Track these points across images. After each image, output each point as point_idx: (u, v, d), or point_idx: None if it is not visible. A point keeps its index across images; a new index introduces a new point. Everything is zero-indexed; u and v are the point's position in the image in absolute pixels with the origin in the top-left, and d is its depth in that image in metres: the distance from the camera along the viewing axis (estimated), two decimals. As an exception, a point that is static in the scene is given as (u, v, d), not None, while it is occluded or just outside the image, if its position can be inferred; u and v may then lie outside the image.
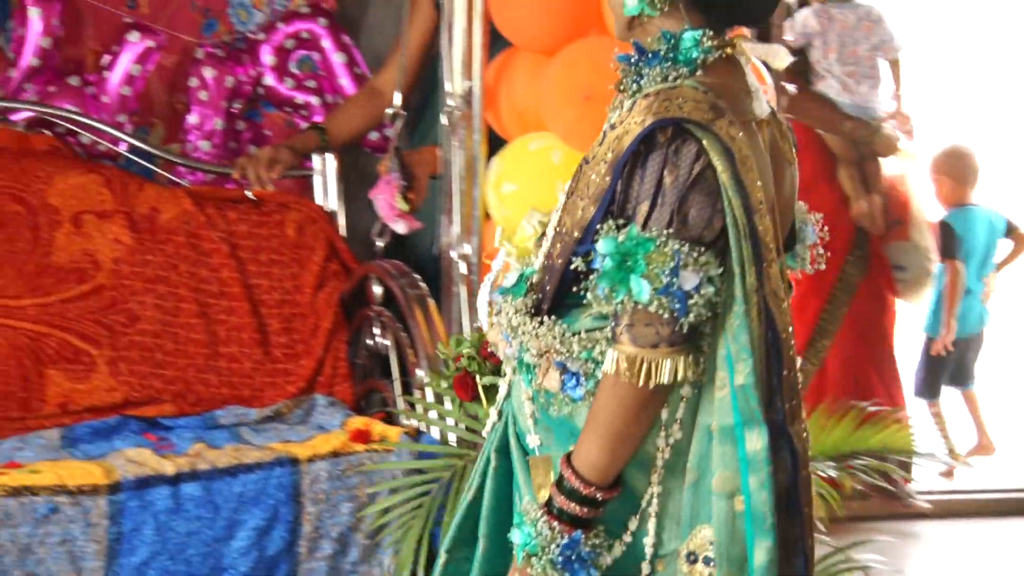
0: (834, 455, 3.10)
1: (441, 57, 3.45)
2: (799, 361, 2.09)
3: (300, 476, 3.12)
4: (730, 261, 1.96)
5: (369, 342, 3.60)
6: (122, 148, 3.90)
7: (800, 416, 2.06)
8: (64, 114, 3.83)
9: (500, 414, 2.18)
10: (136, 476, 3.02)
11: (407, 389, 3.41)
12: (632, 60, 2.02)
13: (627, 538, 2.02)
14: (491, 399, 2.72)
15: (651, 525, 2.02)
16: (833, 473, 3.05)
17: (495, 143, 3.47)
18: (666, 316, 1.91)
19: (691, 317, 1.91)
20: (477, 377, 2.86)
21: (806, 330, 5.00)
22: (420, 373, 3.28)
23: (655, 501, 2.01)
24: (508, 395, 2.15)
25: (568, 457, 1.99)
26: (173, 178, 3.89)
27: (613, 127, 1.99)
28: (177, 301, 3.58)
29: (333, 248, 3.75)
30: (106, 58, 3.95)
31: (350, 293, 3.69)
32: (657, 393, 1.95)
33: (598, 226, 1.96)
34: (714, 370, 1.98)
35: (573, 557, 1.97)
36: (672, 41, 1.99)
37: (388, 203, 3.66)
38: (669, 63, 1.99)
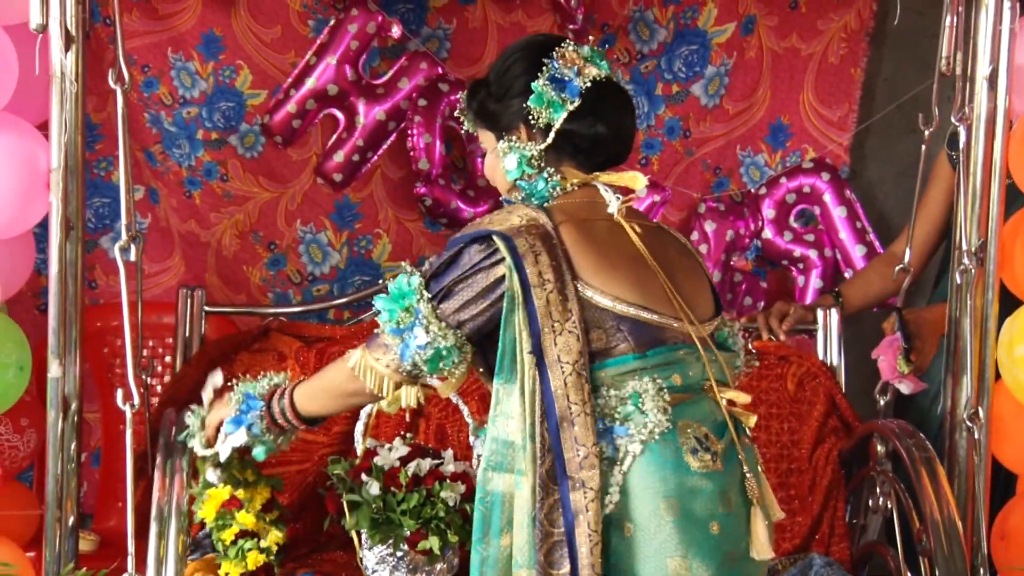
0: None
1: (956, 213, 3.30)
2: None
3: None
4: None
5: (870, 503, 3.43)
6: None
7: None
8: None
9: None
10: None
11: (911, 555, 3.21)
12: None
13: None
14: (360, 513, 3.00)
15: None
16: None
17: (1008, 303, 3.27)
18: (394, 349, 2.42)
19: (407, 363, 2.42)
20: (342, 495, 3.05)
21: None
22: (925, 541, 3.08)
23: None
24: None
25: (294, 388, 2.60)
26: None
27: None
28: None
29: (834, 403, 3.59)
30: (615, 213, 4.07)
31: (850, 451, 3.52)
32: (356, 393, 2.51)
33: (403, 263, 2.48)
34: None
35: (250, 412, 2.64)
36: (529, 190, 2.49)
37: (890, 365, 3.53)
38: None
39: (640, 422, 2.36)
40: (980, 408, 3.20)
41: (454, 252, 2.43)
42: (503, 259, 2.39)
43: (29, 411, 3.30)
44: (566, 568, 2.31)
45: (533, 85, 2.44)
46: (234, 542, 2.90)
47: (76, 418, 3.16)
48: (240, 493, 2.94)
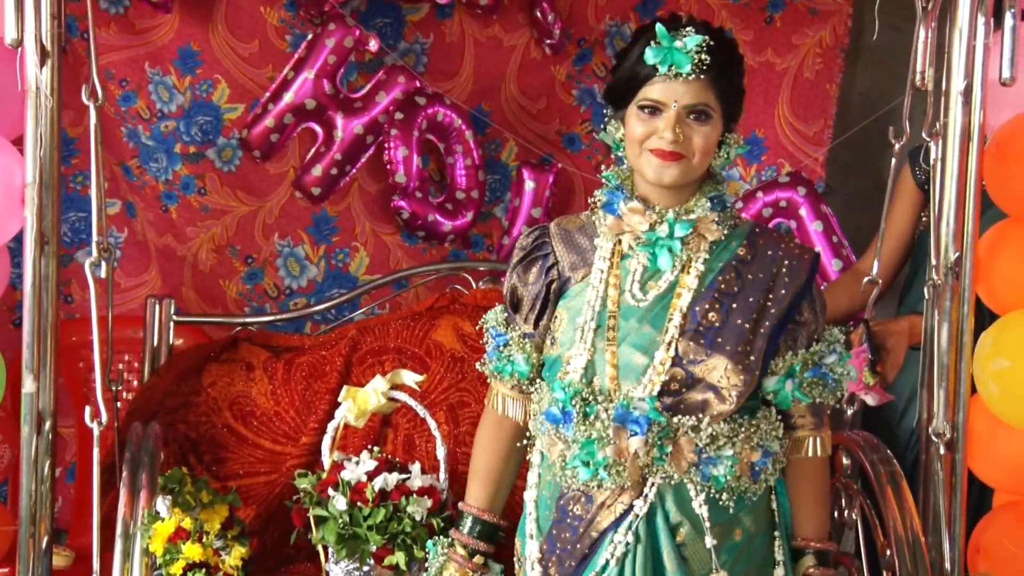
0: None
1: (929, 228, 3.27)
2: None
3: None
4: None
5: (835, 514, 3.39)
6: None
7: None
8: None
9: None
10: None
11: (874, 568, 3.15)
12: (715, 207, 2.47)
13: None
14: (326, 528, 2.94)
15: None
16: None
17: (983, 316, 3.24)
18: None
19: None
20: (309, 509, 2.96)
21: None
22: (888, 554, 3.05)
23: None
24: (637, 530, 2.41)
25: (801, 537, 2.52)
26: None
27: (743, 262, 2.45)
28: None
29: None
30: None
31: None
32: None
33: (832, 334, 2.50)
34: None
35: None
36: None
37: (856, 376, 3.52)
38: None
39: None
40: (951, 422, 3.16)
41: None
42: None
43: (3, 426, 3.24)
44: None
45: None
46: (183, 575, 2.83)
47: (50, 434, 3.09)
48: (187, 523, 2.89)
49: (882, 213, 3.50)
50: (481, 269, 3.81)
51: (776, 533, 2.51)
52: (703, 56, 2.34)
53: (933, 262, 3.16)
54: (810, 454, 2.52)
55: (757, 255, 2.46)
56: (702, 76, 2.35)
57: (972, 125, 3.10)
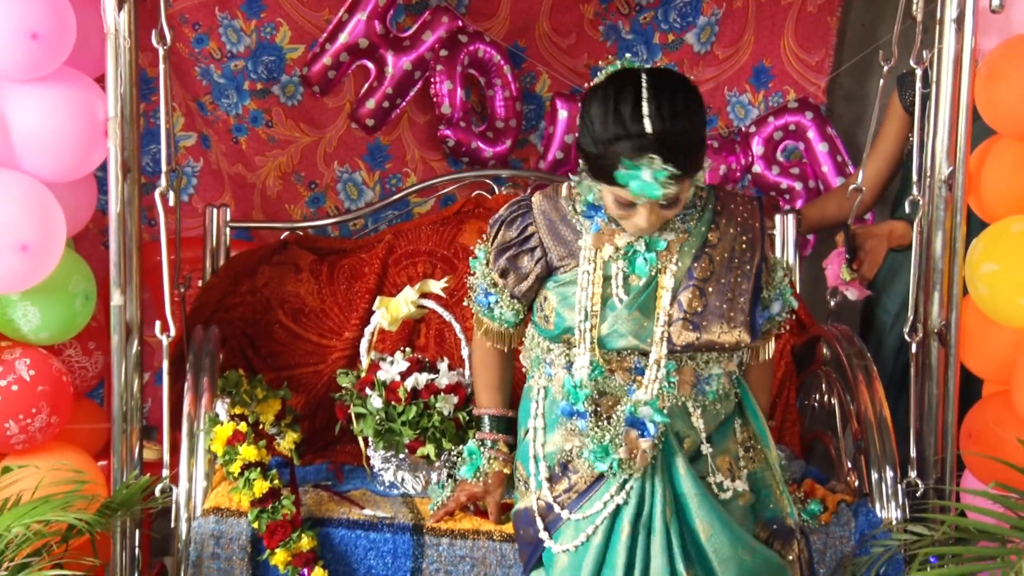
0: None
1: (912, 145, 3.29)
2: None
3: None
4: None
5: (816, 397, 3.44)
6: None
7: None
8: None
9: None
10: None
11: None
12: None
13: None
14: (365, 422, 3.01)
15: None
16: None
17: (972, 224, 3.26)
18: None
19: None
20: (350, 406, 3.04)
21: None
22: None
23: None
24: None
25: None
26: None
27: (713, 246, 2.49)
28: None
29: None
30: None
31: (801, 347, 3.53)
32: None
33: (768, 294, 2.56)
34: None
35: None
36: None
37: (834, 272, 3.61)
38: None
39: None
40: (946, 321, 3.19)
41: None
42: None
43: (96, 336, 3.34)
44: None
45: None
46: (241, 473, 2.93)
47: (139, 346, 3.20)
48: (243, 427, 2.98)
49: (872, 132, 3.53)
50: (503, 176, 3.87)
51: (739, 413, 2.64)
52: (672, 175, 2.33)
53: (915, 178, 3.19)
54: (760, 360, 2.65)
55: (722, 237, 2.52)
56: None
57: (964, 50, 3.10)
